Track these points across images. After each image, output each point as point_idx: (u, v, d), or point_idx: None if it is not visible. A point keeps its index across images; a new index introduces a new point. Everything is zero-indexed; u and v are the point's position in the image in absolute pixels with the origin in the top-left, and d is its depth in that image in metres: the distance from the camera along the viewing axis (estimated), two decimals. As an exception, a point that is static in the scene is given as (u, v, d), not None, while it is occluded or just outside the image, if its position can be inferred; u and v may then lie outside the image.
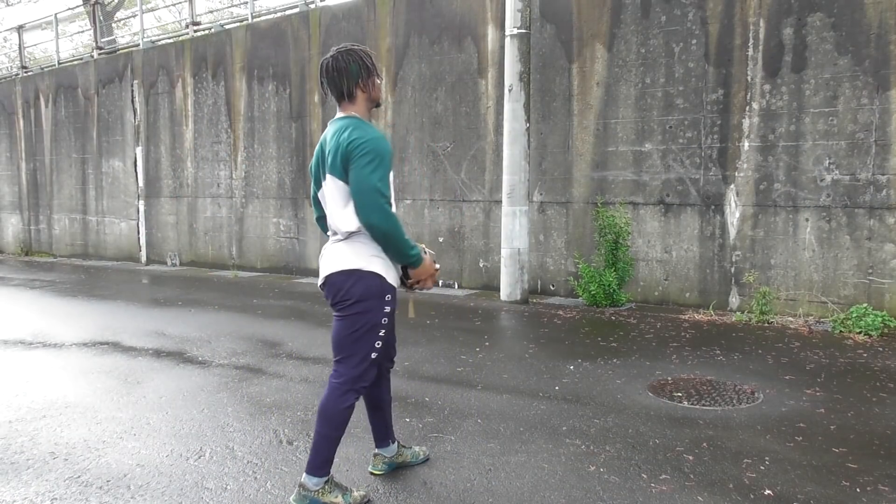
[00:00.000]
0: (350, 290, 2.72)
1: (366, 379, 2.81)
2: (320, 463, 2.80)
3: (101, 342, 6.12)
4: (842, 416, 3.92)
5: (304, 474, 2.82)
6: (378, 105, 2.95)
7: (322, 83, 2.87)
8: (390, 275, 2.79)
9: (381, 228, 2.64)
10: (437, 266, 2.91)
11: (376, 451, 3.20)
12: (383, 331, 2.79)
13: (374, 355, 2.79)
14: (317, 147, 2.90)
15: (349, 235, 2.76)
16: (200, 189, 11.71)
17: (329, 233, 2.91)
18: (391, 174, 2.75)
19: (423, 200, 9.08)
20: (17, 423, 3.99)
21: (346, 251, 2.76)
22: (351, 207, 2.71)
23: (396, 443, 3.23)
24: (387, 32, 9.26)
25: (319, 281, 2.87)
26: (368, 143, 2.66)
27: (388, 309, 2.78)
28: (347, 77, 2.79)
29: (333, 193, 2.76)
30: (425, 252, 2.86)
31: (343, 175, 2.70)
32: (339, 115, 2.87)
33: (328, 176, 2.77)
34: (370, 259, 2.74)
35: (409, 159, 9.18)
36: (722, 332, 6.09)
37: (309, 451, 2.87)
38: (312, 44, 10.03)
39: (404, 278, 2.90)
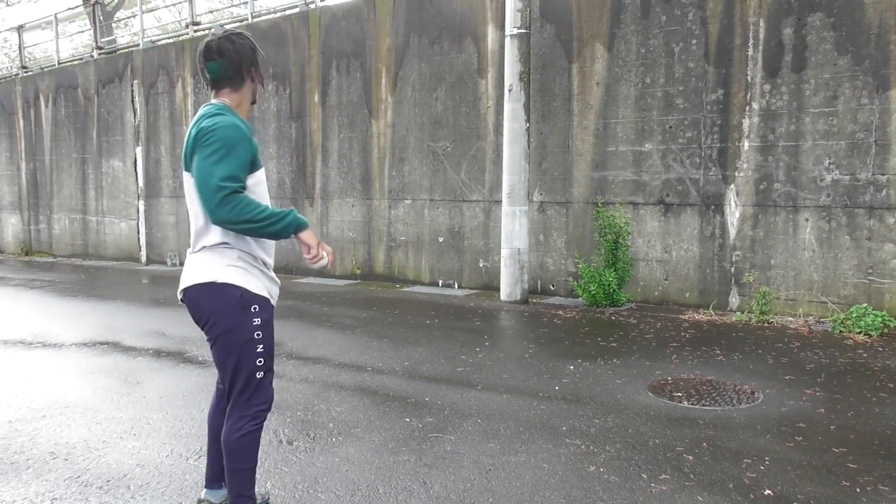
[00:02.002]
0: (209, 306, 2.44)
1: (258, 400, 2.51)
2: (234, 498, 2.56)
3: (101, 342, 6.12)
4: (842, 416, 3.92)
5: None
6: (253, 102, 2.65)
7: (207, 65, 2.50)
8: (253, 282, 2.48)
9: (233, 222, 2.33)
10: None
11: (203, 495, 2.77)
12: (261, 346, 2.48)
13: (259, 374, 2.49)
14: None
15: (213, 245, 2.48)
16: (200, 189, 11.70)
17: (194, 231, 2.58)
18: (258, 170, 2.48)
19: (423, 200, 9.08)
20: (17, 423, 3.99)
21: (204, 260, 2.46)
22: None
23: (226, 487, 2.73)
24: (387, 32, 9.26)
25: (179, 294, 2.56)
26: (216, 132, 2.35)
27: (257, 321, 2.47)
28: (244, 59, 2.50)
29: (191, 193, 2.47)
30: None
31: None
32: (222, 101, 2.55)
33: (185, 173, 2.48)
34: (226, 269, 2.44)
35: (409, 159, 9.18)
36: (722, 332, 6.09)
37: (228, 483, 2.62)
38: (312, 44, 10.03)
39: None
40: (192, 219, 2.54)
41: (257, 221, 2.33)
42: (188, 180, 2.48)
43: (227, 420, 2.53)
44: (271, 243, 2.60)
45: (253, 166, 2.47)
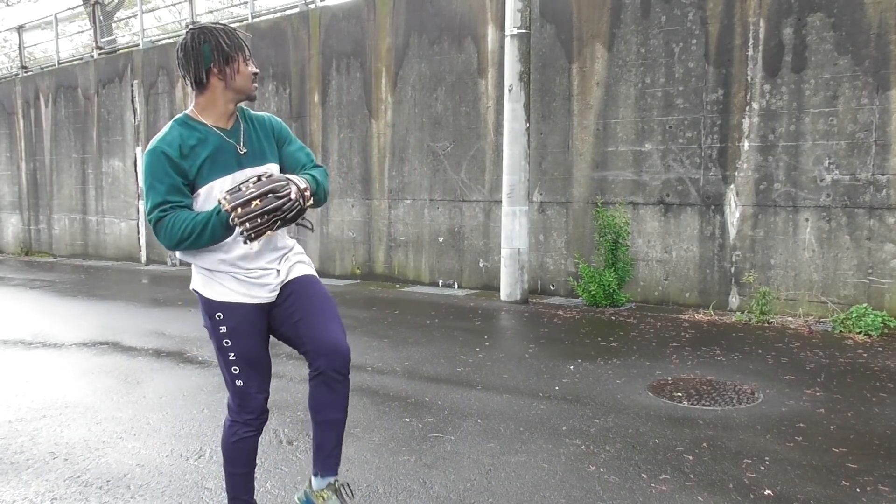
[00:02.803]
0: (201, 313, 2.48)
1: (246, 409, 2.42)
2: (230, 501, 2.54)
3: (101, 342, 6.12)
4: (842, 416, 3.92)
5: None
6: (251, 98, 2.42)
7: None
8: (217, 290, 2.38)
9: (175, 246, 2.26)
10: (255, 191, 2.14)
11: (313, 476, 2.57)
12: (232, 354, 2.38)
13: (238, 382, 2.40)
14: None
15: None
16: (200, 189, 11.70)
17: None
18: (206, 182, 2.31)
19: (423, 200, 9.08)
20: (17, 423, 3.99)
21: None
22: None
23: (328, 480, 2.49)
24: (387, 32, 9.26)
25: None
26: (143, 161, 2.31)
27: (223, 329, 2.37)
28: (196, 61, 2.29)
29: None
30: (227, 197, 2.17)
31: None
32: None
33: None
34: (195, 277, 2.43)
35: (409, 159, 9.18)
36: (722, 332, 6.09)
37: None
38: (312, 44, 10.03)
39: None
40: None
41: (189, 237, 2.22)
42: None
43: (224, 424, 2.51)
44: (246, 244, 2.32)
45: (198, 179, 2.30)
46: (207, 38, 2.29)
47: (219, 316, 2.38)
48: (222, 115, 2.38)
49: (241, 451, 2.46)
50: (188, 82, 2.36)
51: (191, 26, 2.37)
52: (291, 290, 2.45)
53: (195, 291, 2.44)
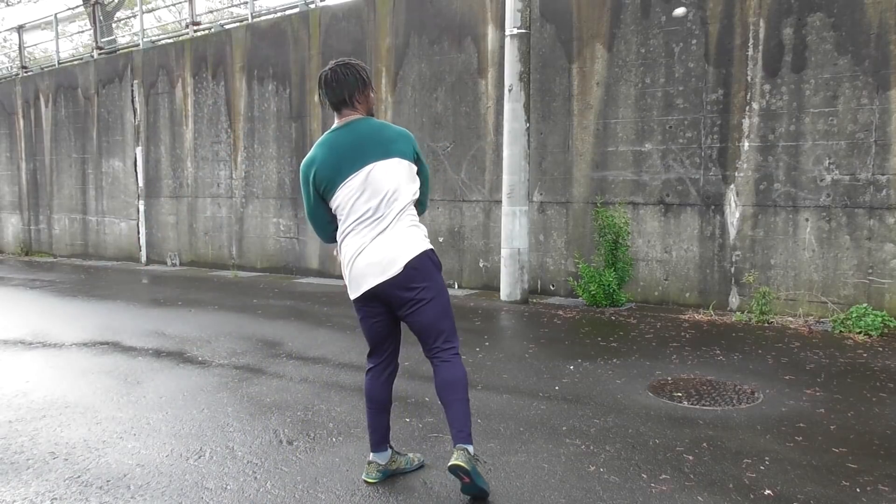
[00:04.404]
0: (430, 271, 3.02)
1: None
2: (462, 428, 2.94)
3: (101, 342, 6.12)
4: (842, 416, 3.92)
5: (466, 446, 2.86)
6: (370, 115, 3.09)
7: (320, 93, 3.03)
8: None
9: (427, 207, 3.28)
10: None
11: (371, 457, 3.14)
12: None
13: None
14: (324, 150, 2.96)
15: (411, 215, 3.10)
16: (200, 189, 11.71)
17: (373, 220, 2.98)
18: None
19: (423, 200, 9.07)
20: (17, 423, 3.99)
21: (416, 234, 3.05)
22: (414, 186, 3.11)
23: (391, 448, 3.19)
24: (387, 32, 9.26)
25: (395, 270, 2.92)
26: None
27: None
28: (346, 87, 2.95)
29: (403, 173, 3.04)
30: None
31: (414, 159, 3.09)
32: (352, 117, 2.98)
33: (394, 159, 2.97)
34: (426, 240, 3.11)
35: (409, 159, 9.16)
36: (722, 332, 6.09)
37: (459, 423, 2.95)
38: (312, 44, 10.03)
39: None
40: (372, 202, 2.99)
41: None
42: (396, 169, 3.02)
43: (447, 365, 3.07)
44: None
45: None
46: (351, 71, 2.94)
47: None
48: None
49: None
50: (326, 104, 2.97)
51: (333, 62, 2.98)
52: None
53: (430, 252, 3.03)
